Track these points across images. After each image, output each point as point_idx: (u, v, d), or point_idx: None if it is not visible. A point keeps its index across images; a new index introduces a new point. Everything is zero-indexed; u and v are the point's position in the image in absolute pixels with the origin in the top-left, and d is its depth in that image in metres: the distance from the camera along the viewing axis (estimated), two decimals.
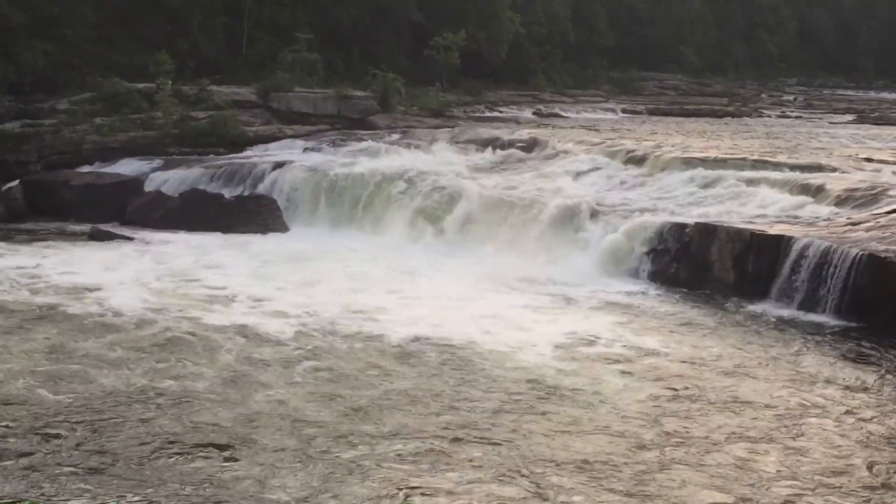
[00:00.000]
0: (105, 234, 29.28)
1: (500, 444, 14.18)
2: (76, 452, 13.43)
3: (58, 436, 13.95)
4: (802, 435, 14.85)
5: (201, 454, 13.57)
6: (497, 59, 61.30)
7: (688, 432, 14.82)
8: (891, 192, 26.30)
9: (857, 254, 21.45)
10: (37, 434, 13.99)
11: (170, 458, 13.38)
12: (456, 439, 14.32)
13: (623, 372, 17.78)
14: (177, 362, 17.54)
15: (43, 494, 12.00)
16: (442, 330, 19.92)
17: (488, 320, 20.92)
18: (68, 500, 12.03)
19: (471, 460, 13.57)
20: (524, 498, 12.52)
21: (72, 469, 12.92)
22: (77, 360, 17.41)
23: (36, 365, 17.04)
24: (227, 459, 13.41)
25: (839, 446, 14.43)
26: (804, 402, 16.36)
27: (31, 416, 14.63)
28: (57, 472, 12.84)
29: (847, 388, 17.16)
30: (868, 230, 23.35)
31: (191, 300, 21.92)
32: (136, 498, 12.12)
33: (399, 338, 19.32)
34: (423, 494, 12.49)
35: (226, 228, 30.44)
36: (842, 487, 13.04)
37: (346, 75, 51.42)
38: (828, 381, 17.46)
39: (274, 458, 13.47)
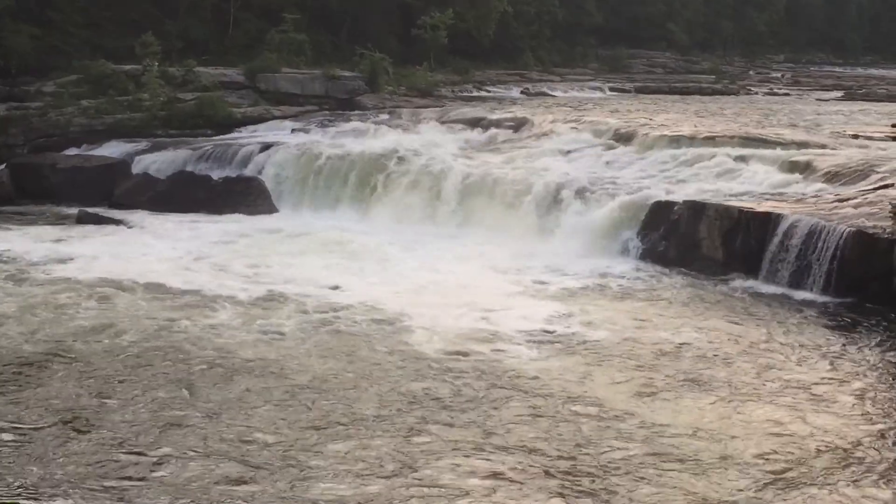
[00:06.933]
0: (93, 217, 29.19)
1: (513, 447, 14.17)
2: None
3: None
4: (796, 412, 14.91)
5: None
6: (485, 38, 61.06)
7: (676, 414, 14.83)
8: (878, 169, 26.32)
9: (844, 230, 21.50)
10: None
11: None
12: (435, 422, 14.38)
13: (610, 355, 17.74)
14: None
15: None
16: (432, 311, 19.88)
17: (475, 301, 20.84)
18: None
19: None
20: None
21: None
22: None
23: None
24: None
25: (829, 422, 14.50)
26: (795, 379, 16.40)
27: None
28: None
29: (836, 364, 17.22)
30: (856, 206, 23.39)
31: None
32: None
33: (391, 327, 19.20)
34: None
35: (214, 210, 30.40)
36: (840, 465, 13.13)
37: (334, 56, 51.21)
38: (817, 357, 17.53)
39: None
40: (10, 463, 12.52)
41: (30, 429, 13.64)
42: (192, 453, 12.96)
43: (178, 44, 46.52)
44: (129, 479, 12.21)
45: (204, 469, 12.51)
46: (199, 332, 18.26)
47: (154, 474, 12.35)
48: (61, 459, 12.68)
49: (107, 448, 13.05)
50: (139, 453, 12.92)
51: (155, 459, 12.74)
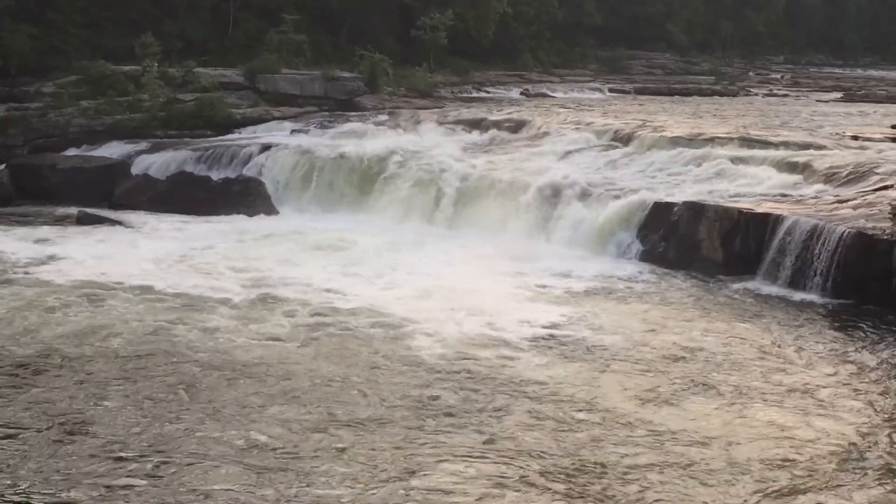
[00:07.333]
0: (93, 218, 29.17)
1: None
2: None
3: None
4: (801, 416, 14.91)
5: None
6: (484, 39, 61.04)
7: (683, 419, 14.79)
8: (878, 170, 26.33)
9: (844, 231, 21.50)
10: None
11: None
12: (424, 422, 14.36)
13: (614, 359, 17.68)
14: None
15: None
16: (434, 315, 19.82)
17: (478, 303, 20.77)
18: None
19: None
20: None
21: None
22: None
23: None
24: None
25: (831, 425, 14.51)
26: (799, 382, 16.39)
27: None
28: None
29: (838, 366, 17.21)
30: (855, 208, 23.40)
31: None
32: None
33: (393, 330, 19.14)
34: None
35: (213, 211, 30.39)
36: (845, 469, 13.13)
37: (334, 56, 51.20)
38: (819, 360, 17.52)
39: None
40: (6, 465, 12.50)
41: (25, 432, 13.59)
42: (191, 456, 12.92)
43: (178, 44, 46.49)
44: (128, 481, 12.19)
45: (203, 472, 12.48)
46: (196, 335, 18.19)
47: (152, 477, 12.31)
48: (57, 463, 12.64)
49: (105, 451, 13.01)
50: (137, 456, 12.88)
51: (153, 462, 12.71)
